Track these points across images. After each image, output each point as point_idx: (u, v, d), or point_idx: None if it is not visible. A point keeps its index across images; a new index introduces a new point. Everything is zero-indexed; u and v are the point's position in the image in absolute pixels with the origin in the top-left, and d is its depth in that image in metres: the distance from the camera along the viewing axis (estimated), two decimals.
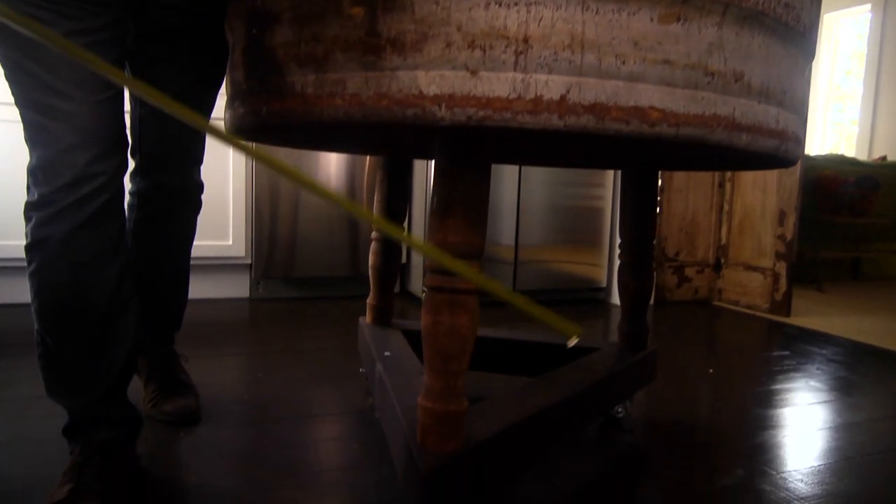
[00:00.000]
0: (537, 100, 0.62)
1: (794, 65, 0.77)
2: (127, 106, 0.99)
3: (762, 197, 2.74)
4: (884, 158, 4.66)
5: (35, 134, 0.81)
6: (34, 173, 0.81)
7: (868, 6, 5.58)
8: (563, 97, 0.62)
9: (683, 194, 2.84)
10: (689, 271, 2.90)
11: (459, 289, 0.75)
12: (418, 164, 2.66)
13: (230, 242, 2.35)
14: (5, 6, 0.69)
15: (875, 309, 2.95)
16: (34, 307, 0.85)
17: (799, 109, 0.81)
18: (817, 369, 1.83)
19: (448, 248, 0.75)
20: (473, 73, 0.62)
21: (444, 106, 0.63)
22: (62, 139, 0.80)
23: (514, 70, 0.62)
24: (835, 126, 6.08)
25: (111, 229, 0.85)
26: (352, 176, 2.53)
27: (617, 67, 0.63)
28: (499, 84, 0.62)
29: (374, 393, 1.22)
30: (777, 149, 0.75)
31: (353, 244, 2.57)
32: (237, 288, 2.49)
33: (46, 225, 0.80)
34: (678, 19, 0.64)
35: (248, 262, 2.42)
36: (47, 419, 1.17)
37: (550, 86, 0.62)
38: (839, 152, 5.85)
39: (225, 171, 2.31)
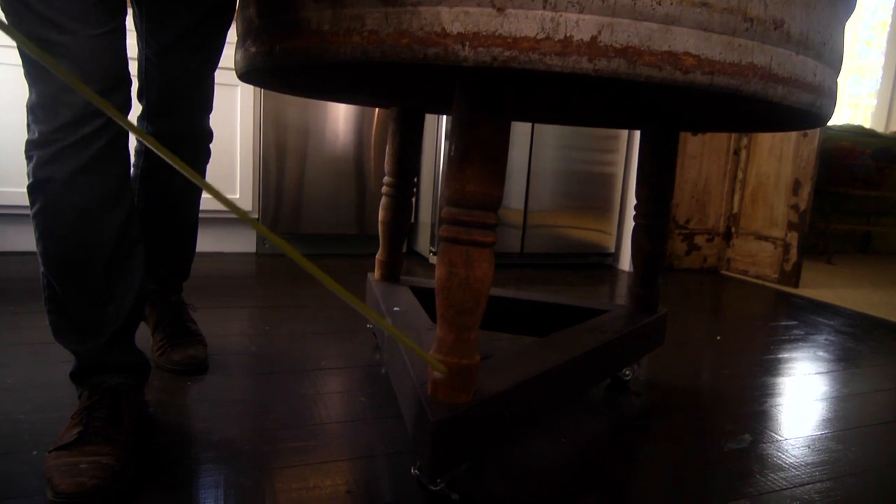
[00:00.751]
0: (567, 41, 0.58)
1: (834, 15, 0.73)
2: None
3: (777, 165, 2.69)
4: None
5: (33, 69, 0.78)
6: (34, 110, 0.78)
7: None
8: (593, 38, 0.59)
9: (697, 161, 2.79)
10: (699, 239, 2.87)
11: (477, 241, 0.72)
12: (429, 119, 2.61)
13: (237, 196, 2.33)
14: None
15: (885, 283, 2.92)
16: (39, 249, 0.83)
17: (836, 64, 0.77)
18: (825, 340, 1.82)
19: (465, 198, 0.73)
20: (500, 10, 0.59)
21: (467, 45, 0.60)
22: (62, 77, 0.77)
23: (544, 8, 0.58)
24: (851, 98, 5.95)
25: (115, 171, 0.83)
26: (360, 131, 2.49)
27: (652, 8, 0.59)
28: (526, 22, 0.59)
29: (382, 348, 1.21)
30: (812, 104, 0.72)
31: (360, 203, 2.55)
32: (244, 242, 2.48)
33: (48, 165, 0.78)
34: None
35: (256, 216, 2.40)
36: (54, 364, 1.17)
37: (581, 26, 0.58)
38: (856, 121, 5.75)
39: (232, 124, 2.27)
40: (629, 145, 2.71)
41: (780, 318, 2.07)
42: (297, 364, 1.29)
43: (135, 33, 1.10)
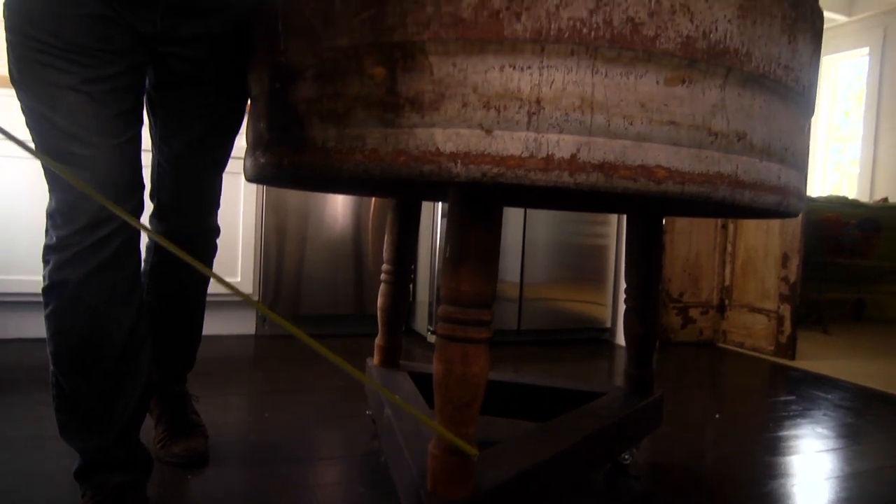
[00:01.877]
0: (549, 158, 0.65)
1: (794, 122, 0.80)
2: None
3: (765, 239, 2.76)
4: (885, 200, 4.70)
5: (54, 178, 0.84)
6: (53, 217, 0.84)
7: (867, 49, 5.70)
8: (573, 156, 0.65)
9: (686, 235, 2.87)
10: (694, 312, 2.91)
11: (472, 338, 0.76)
12: (425, 205, 2.70)
13: (238, 279, 2.38)
14: None
15: (881, 352, 2.94)
16: (50, 349, 0.86)
17: (800, 165, 0.83)
18: (824, 415, 1.82)
19: (461, 297, 0.77)
20: (488, 131, 0.65)
21: (459, 163, 0.66)
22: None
23: (527, 129, 0.65)
24: (836, 166, 6.14)
25: (127, 272, 0.87)
26: (358, 214, 2.57)
27: (625, 128, 0.66)
28: (512, 143, 0.65)
29: (381, 436, 1.22)
30: (779, 204, 0.78)
31: (359, 282, 2.59)
32: (243, 325, 2.50)
33: (63, 268, 0.82)
34: (683, 82, 0.67)
35: (256, 298, 2.44)
36: (58, 459, 1.17)
37: (561, 145, 0.65)
38: (841, 192, 5.91)
39: (235, 208, 2.34)
40: (619, 218, 2.79)
41: (779, 393, 2.07)
42: (296, 453, 1.29)
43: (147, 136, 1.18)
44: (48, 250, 0.84)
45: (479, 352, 0.77)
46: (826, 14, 5.78)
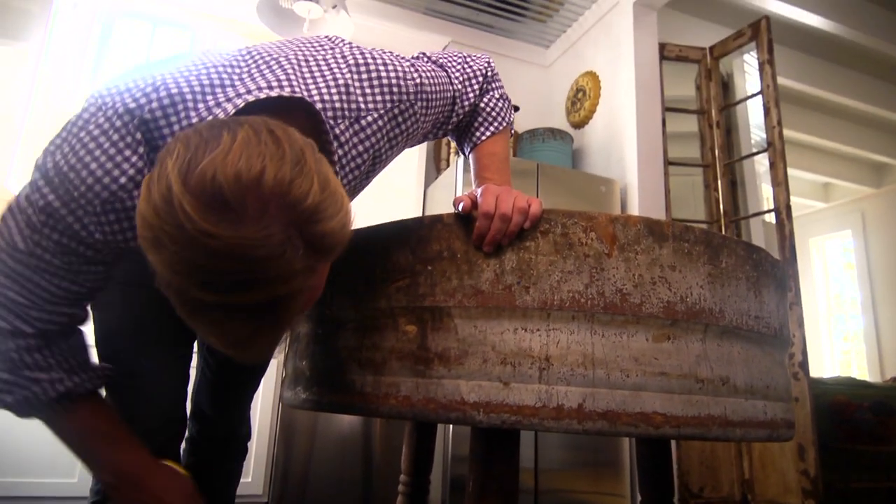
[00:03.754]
0: (559, 408, 0.75)
1: (772, 360, 0.91)
2: None
3: None
4: (894, 380, 4.69)
5: (107, 390, 0.94)
6: None
7: (850, 231, 6.05)
8: (580, 406, 0.75)
9: None
10: None
11: None
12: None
13: (249, 479, 2.36)
14: None
15: None
16: None
17: (783, 396, 0.93)
18: None
19: None
20: (506, 384, 0.77)
21: (482, 411, 0.76)
22: (135, 396, 0.92)
23: (539, 382, 0.76)
24: (844, 337, 6.16)
25: None
26: (367, 421, 2.62)
27: (623, 380, 0.77)
28: (527, 394, 0.76)
29: None
30: (769, 436, 0.86)
31: (367, 482, 2.56)
32: None
33: None
34: (668, 338, 0.80)
35: (265, 500, 2.39)
36: None
37: (569, 396, 0.75)
38: (851, 366, 5.87)
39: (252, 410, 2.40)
40: None
41: None
42: None
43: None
44: None
45: None
46: (805, 202, 6.26)
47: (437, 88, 0.95)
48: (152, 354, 0.96)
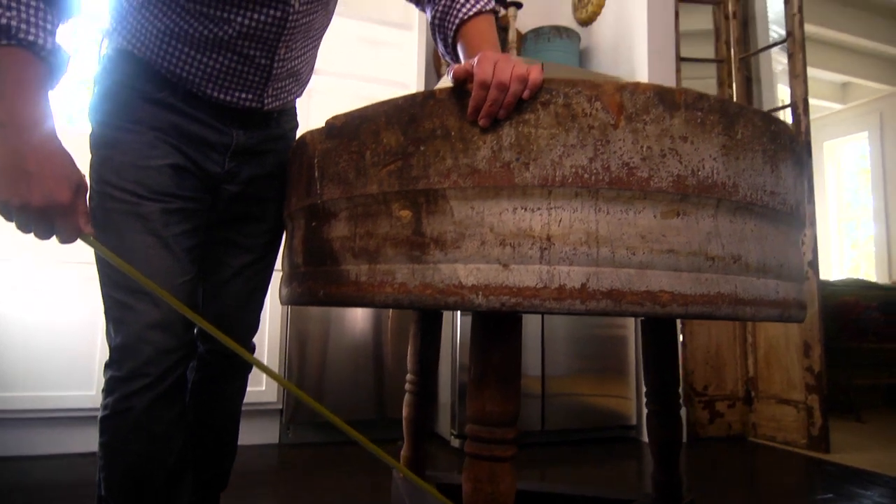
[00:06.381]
0: (561, 288, 0.71)
1: (785, 239, 0.87)
2: None
3: (784, 328, 2.76)
4: None
5: (120, 312, 0.92)
6: (119, 349, 0.91)
7: (865, 133, 5.86)
8: (583, 286, 0.72)
9: (705, 327, 2.88)
10: (720, 406, 2.86)
11: (498, 456, 0.80)
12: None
13: (263, 388, 2.41)
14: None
15: None
16: (103, 475, 0.91)
17: (796, 276, 0.89)
18: None
19: (486, 416, 0.81)
20: (505, 266, 0.73)
21: (480, 294, 0.73)
22: (146, 316, 0.90)
23: (540, 263, 0.72)
24: (853, 243, 6.14)
25: (182, 399, 0.94)
26: (377, 318, 2.64)
27: (628, 258, 0.73)
28: (527, 275, 0.72)
29: None
30: (780, 315, 0.83)
31: (379, 386, 2.61)
32: (268, 433, 2.51)
33: (130, 398, 0.88)
34: (678, 214, 0.75)
35: (280, 407, 2.46)
36: None
37: (572, 276, 0.72)
38: (860, 271, 5.87)
39: (262, 318, 2.42)
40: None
41: (816, 491, 2.01)
42: None
43: None
44: (115, 381, 0.90)
45: (506, 469, 0.80)
46: (821, 103, 6.04)
47: None
48: (164, 282, 0.93)
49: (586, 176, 0.73)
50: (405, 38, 2.97)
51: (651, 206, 0.74)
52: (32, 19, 0.77)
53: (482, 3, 0.99)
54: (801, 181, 0.91)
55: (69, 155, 0.80)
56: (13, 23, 0.75)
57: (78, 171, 0.80)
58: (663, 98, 0.75)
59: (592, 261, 0.72)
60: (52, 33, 0.80)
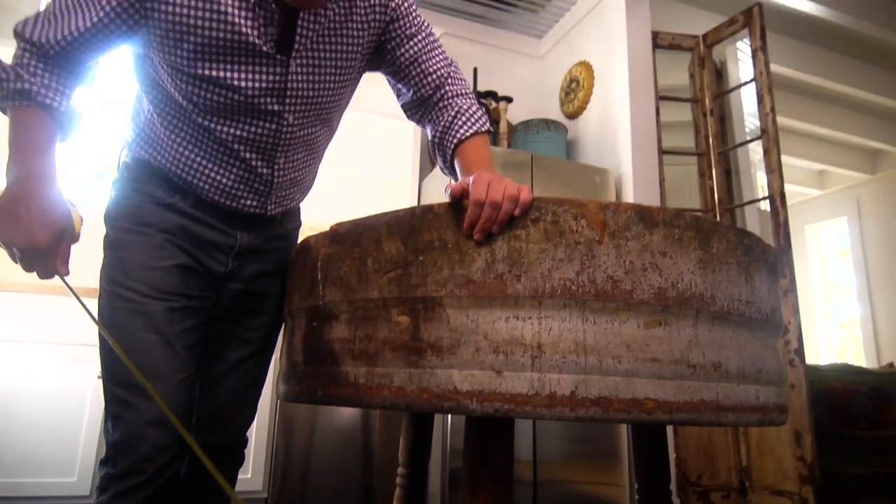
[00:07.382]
0: (552, 395, 0.75)
1: (763, 345, 0.92)
2: None
3: None
4: (891, 366, 4.71)
5: (119, 409, 0.94)
6: (116, 446, 0.92)
7: (845, 218, 6.05)
8: (572, 393, 0.75)
9: None
10: (715, 497, 2.81)
11: None
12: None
13: (249, 476, 2.36)
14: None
15: None
16: None
17: (776, 381, 0.93)
18: None
19: None
20: (498, 373, 0.77)
21: (475, 400, 0.76)
22: (145, 414, 0.92)
23: (532, 370, 0.76)
24: (840, 324, 6.18)
25: (173, 496, 0.94)
26: (367, 415, 2.62)
27: (615, 366, 0.77)
28: (519, 382, 0.76)
29: None
30: (762, 420, 0.87)
31: (367, 476, 2.56)
32: None
33: (125, 495, 0.89)
34: (660, 324, 0.80)
35: (265, 496, 2.40)
36: None
37: (562, 383, 0.76)
38: (848, 353, 5.89)
39: None
40: None
41: None
42: None
43: None
44: (109, 478, 0.91)
45: None
46: (800, 189, 6.27)
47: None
48: (164, 377, 0.96)
49: (574, 288, 0.78)
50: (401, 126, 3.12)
51: (635, 317, 0.79)
52: (52, 84, 0.93)
53: (478, 125, 1.08)
54: (775, 288, 0.97)
55: (63, 204, 0.90)
56: (34, 88, 0.91)
57: (65, 219, 0.89)
58: (643, 216, 0.81)
59: (581, 369, 0.76)
60: (68, 96, 0.95)
